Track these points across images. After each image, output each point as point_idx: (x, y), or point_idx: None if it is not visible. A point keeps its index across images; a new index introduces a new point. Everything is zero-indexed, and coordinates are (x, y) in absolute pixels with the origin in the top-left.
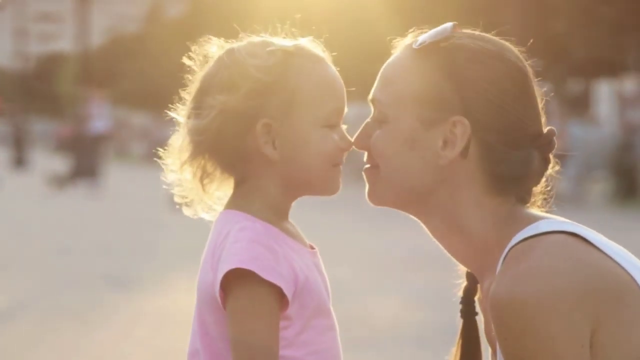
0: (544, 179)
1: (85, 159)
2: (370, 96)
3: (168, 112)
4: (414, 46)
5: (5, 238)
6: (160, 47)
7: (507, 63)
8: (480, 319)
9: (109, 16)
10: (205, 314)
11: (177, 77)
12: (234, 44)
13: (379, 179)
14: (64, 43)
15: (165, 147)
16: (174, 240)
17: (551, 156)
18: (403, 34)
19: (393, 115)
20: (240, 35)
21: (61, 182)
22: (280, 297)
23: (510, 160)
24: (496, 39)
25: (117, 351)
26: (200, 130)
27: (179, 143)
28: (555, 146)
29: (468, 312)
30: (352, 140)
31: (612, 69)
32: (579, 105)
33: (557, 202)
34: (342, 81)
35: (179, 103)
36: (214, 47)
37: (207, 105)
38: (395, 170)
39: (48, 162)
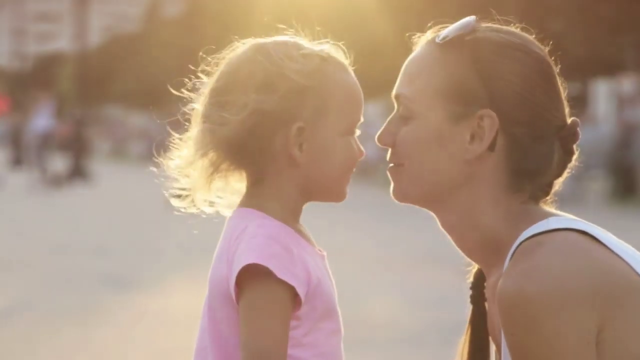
0: (566, 171)
1: (27, 154)
2: (394, 92)
3: (181, 108)
4: (437, 40)
5: (4, 238)
6: (158, 47)
7: (533, 55)
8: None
9: (107, 16)
10: (216, 309)
11: (175, 77)
12: (263, 42)
13: (404, 177)
14: (62, 43)
15: (176, 140)
16: (173, 240)
17: (575, 147)
18: (401, 33)
19: (419, 110)
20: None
21: (60, 181)
22: (293, 296)
23: (535, 153)
24: (519, 31)
25: (116, 351)
26: (229, 126)
27: (195, 135)
28: (579, 137)
29: (478, 297)
30: (376, 136)
31: (610, 68)
32: (577, 104)
33: (556, 200)
34: (360, 90)
35: (191, 94)
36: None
37: (239, 103)
38: (423, 166)
39: (46, 161)
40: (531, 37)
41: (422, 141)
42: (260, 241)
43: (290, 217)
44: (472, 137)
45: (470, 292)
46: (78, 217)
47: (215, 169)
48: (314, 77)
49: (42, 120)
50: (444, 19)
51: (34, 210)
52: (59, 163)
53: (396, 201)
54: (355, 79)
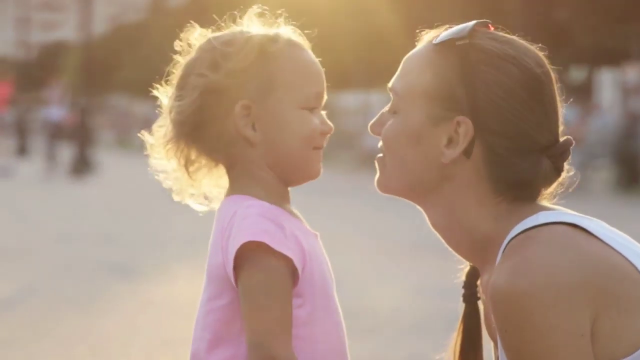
0: (555, 184)
1: (35, 143)
2: (389, 84)
3: (156, 94)
4: (433, 42)
5: (8, 226)
6: (163, 36)
7: (523, 69)
8: (481, 308)
9: (112, 5)
10: (215, 297)
11: None
12: (214, 33)
13: (386, 169)
14: (67, 32)
15: (148, 132)
16: (177, 229)
17: (566, 165)
18: (408, 24)
19: (404, 107)
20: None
21: (65, 170)
22: (291, 271)
23: (515, 166)
24: (522, 43)
25: (121, 340)
26: (182, 110)
27: (162, 128)
28: (569, 156)
29: (470, 296)
30: (369, 125)
31: (615, 57)
32: (582, 94)
33: (560, 190)
34: (320, 66)
35: (161, 87)
36: (197, 34)
37: (189, 86)
38: (399, 162)
39: (56, 150)
40: (535, 52)
41: (401, 137)
42: (252, 220)
43: (277, 198)
44: (449, 141)
45: (462, 291)
46: (83, 206)
47: (186, 160)
48: (257, 55)
49: (55, 109)
50: (451, 11)
51: (40, 199)
52: (64, 152)
53: (378, 191)
54: (310, 55)
